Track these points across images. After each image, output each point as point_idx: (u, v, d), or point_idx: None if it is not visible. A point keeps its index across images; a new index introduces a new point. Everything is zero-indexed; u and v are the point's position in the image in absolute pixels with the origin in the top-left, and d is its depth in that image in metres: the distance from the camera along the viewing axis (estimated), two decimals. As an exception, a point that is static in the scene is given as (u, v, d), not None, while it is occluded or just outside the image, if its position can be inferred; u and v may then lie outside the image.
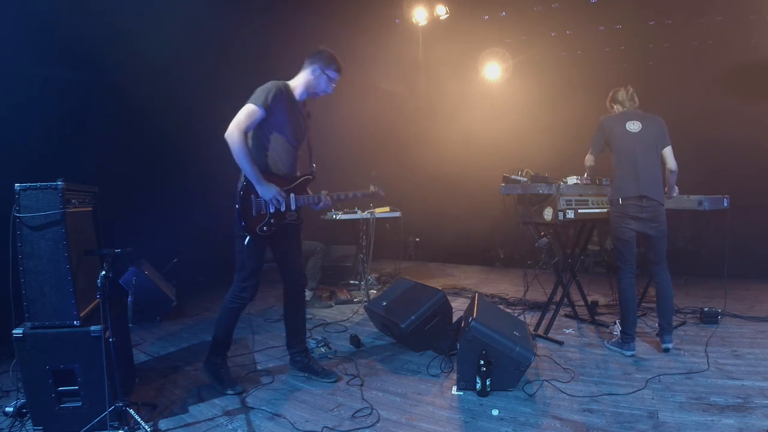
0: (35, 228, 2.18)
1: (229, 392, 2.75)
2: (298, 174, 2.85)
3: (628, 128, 3.18)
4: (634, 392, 2.63)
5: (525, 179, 3.58)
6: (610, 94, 3.37)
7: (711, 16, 6.13)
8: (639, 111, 3.27)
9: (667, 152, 3.21)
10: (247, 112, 2.55)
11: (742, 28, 5.84)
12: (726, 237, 4.18)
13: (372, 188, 3.07)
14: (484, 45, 7.39)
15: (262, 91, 2.60)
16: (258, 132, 2.65)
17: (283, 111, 2.66)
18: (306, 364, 3.02)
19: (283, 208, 2.67)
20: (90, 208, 2.65)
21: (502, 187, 3.68)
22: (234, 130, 2.51)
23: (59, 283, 2.22)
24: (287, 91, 2.71)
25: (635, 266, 3.25)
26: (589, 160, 3.35)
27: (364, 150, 7.57)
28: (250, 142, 2.64)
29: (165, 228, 4.94)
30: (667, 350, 3.17)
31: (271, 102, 2.59)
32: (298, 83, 2.81)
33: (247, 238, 2.63)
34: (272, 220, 2.66)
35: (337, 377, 2.97)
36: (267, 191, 2.59)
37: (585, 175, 3.51)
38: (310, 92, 2.83)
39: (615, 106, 3.35)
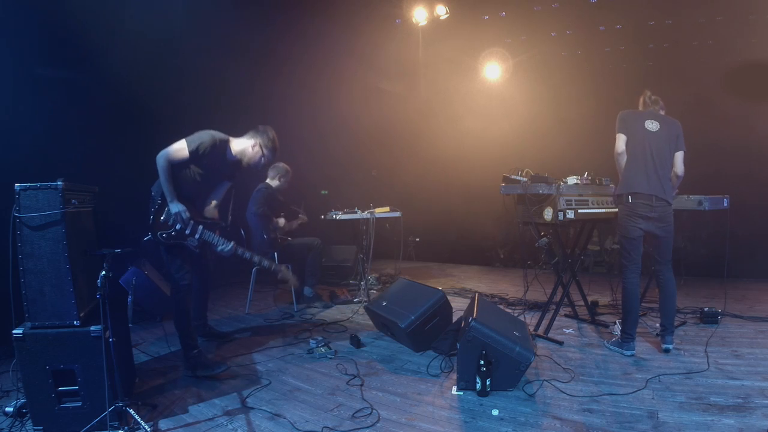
0: (35, 228, 2.19)
1: (218, 371, 3.00)
2: (213, 217, 3.21)
3: (646, 126, 3.17)
4: (634, 392, 2.63)
5: (525, 179, 3.57)
6: (641, 98, 3.36)
7: (711, 16, 6.13)
8: (660, 113, 3.28)
9: (679, 156, 3.20)
10: (177, 149, 2.89)
11: (742, 28, 5.84)
12: (726, 237, 4.18)
13: (276, 267, 3.38)
14: (484, 45, 7.38)
15: (198, 139, 2.93)
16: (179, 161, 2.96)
17: (206, 159, 2.97)
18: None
19: (187, 231, 2.95)
20: (90, 208, 2.65)
21: (502, 187, 3.68)
22: (163, 160, 2.86)
23: (59, 283, 2.22)
24: (220, 147, 3.03)
25: (641, 266, 3.25)
26: (620, 146, 3.20)
27: (364, 150, 7.57)
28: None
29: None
30: (667, 351, 3.17)
31: (200, 153, 2.92)
32: (237, 146, 3.15)
33: (148, 235, 2.94)
34: (173, 233, 2.95)
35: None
36: (175, 206, 2.90)
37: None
38: (243, 161, 3.16)
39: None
